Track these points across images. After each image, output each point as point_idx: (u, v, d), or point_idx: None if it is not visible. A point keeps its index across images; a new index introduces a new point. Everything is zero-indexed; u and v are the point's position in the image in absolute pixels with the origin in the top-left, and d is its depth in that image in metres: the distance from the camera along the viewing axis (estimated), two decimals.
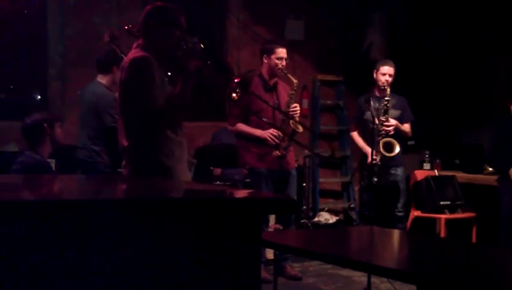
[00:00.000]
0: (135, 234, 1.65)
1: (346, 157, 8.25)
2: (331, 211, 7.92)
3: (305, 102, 7.98)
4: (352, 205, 8.15)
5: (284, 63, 5.32)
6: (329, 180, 8.30)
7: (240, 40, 7.60)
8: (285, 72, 5.34)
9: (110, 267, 1.61)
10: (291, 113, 5.26)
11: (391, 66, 5.87)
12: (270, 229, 5.64)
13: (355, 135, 6.14)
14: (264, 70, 5.40)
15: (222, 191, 2.70)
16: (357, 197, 8.12)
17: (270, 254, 5.48)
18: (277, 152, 5.23)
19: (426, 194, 6.67)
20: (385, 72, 5.85)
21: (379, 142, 5.69)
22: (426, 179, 6.73)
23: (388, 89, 5.76)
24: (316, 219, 7.49)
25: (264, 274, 4.97)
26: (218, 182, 6.38)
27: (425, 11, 7.78)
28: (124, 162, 3.64)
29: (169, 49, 3.62)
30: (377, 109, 5.80)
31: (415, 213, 6.69)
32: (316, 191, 7.92)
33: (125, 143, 3.59)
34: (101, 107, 5.18)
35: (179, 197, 2.20)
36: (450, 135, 7.83)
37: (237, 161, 5.59)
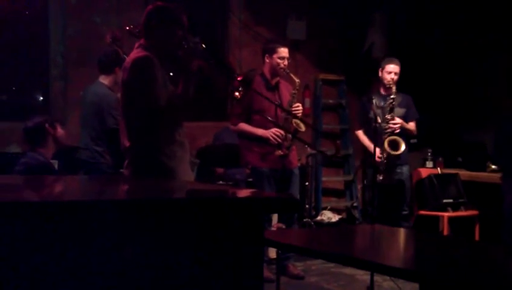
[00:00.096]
0: (136, 235, 1.65)
1: (349, 155, 8.25)
2: (334, 210, 7.92)
3: (307, 101, 7.99)
4: (355, 204, 8.16)
5: (286, 62, 5.31)
6: (332, 179, 8.30)
7: (242, 40, 7.60)
8: (287, 71, 5.33)
9: (111, 267, 1.61)
10: (293, 112, 5.25)
11: (397, 64, 5.86)
12: (273, 228, 5.63)
13: (360, 133, 6.11)
14: (266, 70, 5.39)
15: (224, 191, 2.69)
16: (359, 195, 8.13)
17: (272, 253, 5.48)
18: (279, 151, 5.22)
19: (429, 192, 6.66)
20: (391, 71, 5.83)
21: (384, 141, 5.69)
22: (429, 177, 6.72)
23: (394, 87, 5.75)
24: (318, 218, 7.49)
25: (267, 273, 4.96)
26: (220, 182, 6.37)
27: (425, 11, 7.78)
28: (126, 163, 3.64)
29: (171, 48, 3.61)
30: (383, 107, 5.80)
31: (418, 211, 6.68)
32: (319, 190, 7.92)
33: (127, 144, 3.59)
34: (103, 107, 5.18)
35: (180, 198, 2.20)
36: (452, 133, 7.82)
37: (239, 161, 5.58)
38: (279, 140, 5.19)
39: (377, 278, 4.73)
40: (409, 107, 5.98)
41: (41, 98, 6.96)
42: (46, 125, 4.41)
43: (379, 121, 5.68)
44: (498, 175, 6.04)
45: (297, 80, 5.34)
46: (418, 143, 7.10)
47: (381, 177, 5.72)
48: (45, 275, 1.54)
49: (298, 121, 5.30)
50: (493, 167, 6.54)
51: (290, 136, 5.22)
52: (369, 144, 5.91)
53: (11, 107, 6.61)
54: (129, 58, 3.60)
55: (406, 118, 5.89)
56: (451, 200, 6.58)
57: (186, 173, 3.68)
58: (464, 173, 6.84)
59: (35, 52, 6.75)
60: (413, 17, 7.86)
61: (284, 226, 5.72)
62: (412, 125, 5.95)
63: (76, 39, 6.66)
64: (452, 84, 7.73)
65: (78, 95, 5.71)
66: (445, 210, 6.55)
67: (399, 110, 5.87)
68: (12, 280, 1.50)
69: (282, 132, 5.18)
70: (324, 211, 7.68)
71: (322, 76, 8.13)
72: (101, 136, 5.21)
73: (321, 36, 8.03)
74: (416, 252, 3.30)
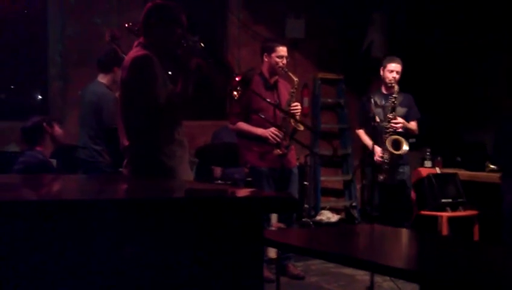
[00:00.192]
0: (135, 234, 1.65)
1: (348, 155, 8.25)
2: (333, 210, 7.92)
3: (306, 100, 7.99)
4: (354, 204, 8.15)
5: (284, 61, 5.31)
6: (330, 179, 8.30)
7: (240, 39, 7.60)
8: (286, 70, 5.33)
9: (111, 267, 1.61)
10: (292, 111, 5.25)
11: (398, 63, 5.83)
12: (272, 228, 5.63)
13: (361, 132, 6.06)
14: (265, 69, 5.39)
15: (223, 191, 2.69)
16: (358, 195, 8.12)
17: (272, 253, 5.47)
18: (278, 151, 5.21)
19: (428, 192, 6.65)
20: (392, 69, 5.81)
21: (385, 140, 5.68)
22: (428, 176, 6.71)
23: (396, 86, 5.73)
24: (317, 218, 7.49)
25: (267, 273, 4.96)
26: (219, 181, 6.37)
27: (425, 11, 7.78)
28: (125, 162, 3.64)
29: (170, 47, 3.61)
30: (384, 106, 5.79)
31: (417, 211, 6.67)
32: (318, 190, 7.92)
33: (127, 143, 3.58)
34: (101, 106, 5.17)
35: (179, 197, 2.19)
36: (451, 133, 7.82)
37: (238, 160, 5.57)
38: (278, 139, 5.18)
39: (377, 278, 4.72)
40: (410, 107, 5.96)
41: (40, 97, 6.96)
42: (44, 124, 4.41)
43: (377, 120, 5.66)
44: (497, 175, 6.04)
45: (295, 79, 5.34)
46: (417, 143, 7.10)
47: (382, 177, 5.70)
48: (44, 274, 1.53)
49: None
50: (492, 166, 6.53)
51: (288, 135, 5.22)
52: (370, 143, 5.90)
53: (10, 107, 6.62)
54: (128, 57, 3.59)
55: (407, 118, 5.87)
56: (450, 200, 6.56)
57: (186, 172, 3.67)
58: (463, 173, 6.83)
59: (34, 51, 6.75)
60: (413, 17, 7.86)
61: (283, 226, 5.72)
62: (413, 124, 5.93)
63: (76, 39, 6.66)
64: (452, 84, 7.73)
65: (77, 95, 5.70)
66: (444, 210, 6.54)
67: (400, 110, 5.85)
68: (11, 279, 1.50)
69: (281, 131, 5.17)
70: (323, 211, 7.68)
71: (320, 75, 8.12)
72: (99, 135, 5.21)
73: (320, 35, 8.03)
74: (416, 252, 3.30)
